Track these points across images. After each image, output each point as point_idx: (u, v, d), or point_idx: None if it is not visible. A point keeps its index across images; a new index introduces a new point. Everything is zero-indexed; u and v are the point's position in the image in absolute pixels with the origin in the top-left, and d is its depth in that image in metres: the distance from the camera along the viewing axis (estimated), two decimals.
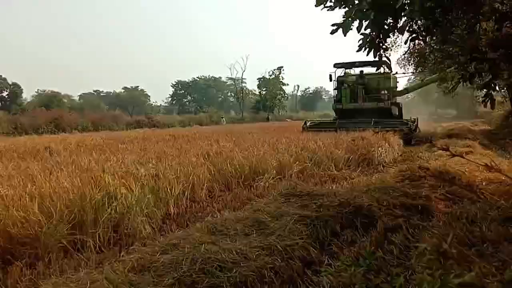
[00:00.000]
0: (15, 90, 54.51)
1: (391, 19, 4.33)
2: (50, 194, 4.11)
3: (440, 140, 13.03)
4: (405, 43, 4.62)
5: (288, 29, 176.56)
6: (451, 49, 6.40)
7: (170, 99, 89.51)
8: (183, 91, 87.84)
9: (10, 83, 54.47)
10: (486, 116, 30.65)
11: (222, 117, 52.41)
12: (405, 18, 4.30)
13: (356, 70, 18.51)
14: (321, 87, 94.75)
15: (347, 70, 18.86)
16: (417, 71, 19.65)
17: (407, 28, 4.43)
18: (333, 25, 4.13)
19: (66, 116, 37.65)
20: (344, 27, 4.06)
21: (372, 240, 3.24)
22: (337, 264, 2.77)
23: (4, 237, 3.49)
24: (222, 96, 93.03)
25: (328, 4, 4.22)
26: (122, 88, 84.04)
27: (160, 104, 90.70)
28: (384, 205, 4.07)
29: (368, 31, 4.27)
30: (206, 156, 7.52)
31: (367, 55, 4.66)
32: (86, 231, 3.86)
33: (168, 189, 5.14)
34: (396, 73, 18.52)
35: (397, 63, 21.69)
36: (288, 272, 2.76)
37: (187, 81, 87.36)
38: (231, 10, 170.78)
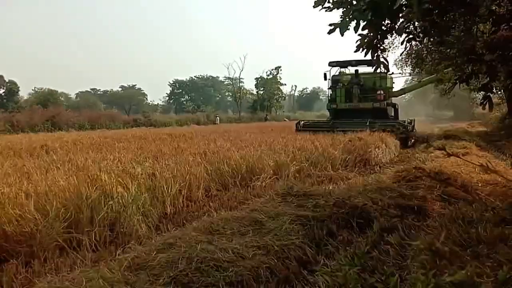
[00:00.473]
0: (12, 87, 54.18)
1: (389, 20, 4.34)
2: (46, 192, 4.10)
3: (437, 141, 13.08)
4: (402, 44, 4.63)
5: (286, 29, 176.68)
6: (448, 50, 6.42)
7: (167, 98, 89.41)
8: (180, 90, 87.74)
9: (7, 80, 54.17)
10: (482, 118, 30.77)
11: (217, 116, 51.23)
12: (403, 19, 4.31)
13: (351, 70, 18.09)
14: (319, 88, 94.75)
15: (342, 69, 18.51)
16: (415, 72, 19.69)
17: (404, 29, 4.44)
18: (330, 25, 4.14)
19: (63, 114, 37.46)
20: (341, 27, 4.07)
21: (368, 240, 3.25)
22: (332, 264, 2.78)
23: (0, 235, 3.48)
24: (220, 96, 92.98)
25: (326, 5, 4.23)
26: (119, 87, 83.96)
27: (158, 103, 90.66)
28: (380, 205, 4.08)
29: (365, 31, 4.28)
30: (203, 156, 7.52)
31: (364, 55, 4.67)
32: (82, 229, 3.85)
33: (165, 188, 5.13)
34: (392, 73, 18.15)
35: (395, 64, 21.73)
36: (284, 272, 2.77)
37: (184, 80, 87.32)
38: (230, 10, 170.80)
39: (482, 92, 4.85)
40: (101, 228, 3.94)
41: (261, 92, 65.91)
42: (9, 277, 3.07)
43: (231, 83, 71.62)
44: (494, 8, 4.65)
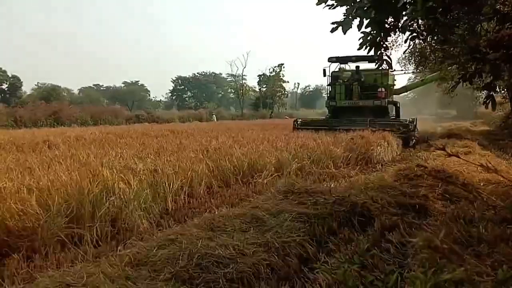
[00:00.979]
0: (15, 83, 54.39)
1: (392, 18, 4.32)
2: (48, 187, 4.11)
3: (439, 140, 13.04)
4: (405, 42, 4.61)
5: (291, 26, 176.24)
6: (452, 49, 6.39)
7: (170, 94, 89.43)
8: (183, 87, 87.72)
9: (10, 75, 54.36)
10: (485, 117, 30.65)
11: (213, 114, 49.26)
12: (406, 17, 4.29)
13: (352, 66, 17.44)
14: (321, 85, 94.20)
15: (342, 65, 17.78)
16: (418, 70, 19.54)
17: (408, 27, 4.43)
18: (333, 23, 4.13)
19: (66, 109, 37.48)
20: (344, 25, 4.06)
21: (368, 238, 3.25)
22: (333, 262, 2.78)
23: (2, 229, 3.49)
24: (222, 93, 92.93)
25: (329, 2, 4.21)
26: (122, 83, 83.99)
27: (160, 100, 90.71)
28: (382, 203, 4.08)
29: (368, 29, 4.26)
30: (205, 152, 7.53)
31: (367, 53, 4.65)
32: (83, 224, 3.87)
33: (167, 184, 5.14)
34: (394, 70, 17.54)
35: (398, 62, 21.60)
36: (285, 269, 2.77)
37: (187, 76, 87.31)
38: (234, 6, 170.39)
39: (485, 91, 4.82)
40: (103, 224, 3.96)
41: (264, 89, 65.84)
42: (10, 271, 3.08)
43: (234, 80, 71.58)
44: (498, 6, 4.62)
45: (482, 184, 5.03)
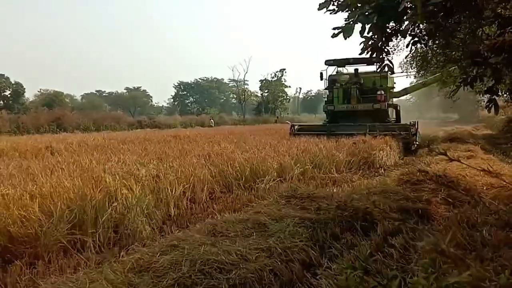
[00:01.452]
0: (18, 89, 54.50)
1: (394, 23, 4.33)
2: (50, 193, 4.12)
3: (442, 144, 13.00)
4: (407, 46, 4.62)
5: (292, 31, 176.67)
6: (453, 53, 6.39)
7: (172, 100, 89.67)
8: (185, 92, 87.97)
9: (13, 82, 54.53)
10: (488, 121, 30.57)
11: (211, 119, 47.95)
12: (408, 21, 4.29)
13: (350, 69, 16.62)
14: (323, 90, 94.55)
15: (340, 69, 16.99)
16: (420, 74, 19.48)
17: (409, 32, 4.43)
18: (334, 28, 4.14)
19: (68, 116, 37.67)
20: (346, 30, 4.06)
21: (371, 243, 3.24)
22: (335, 267, 2.77)
23: (5, 236, 3.50)
24: (224, 98, 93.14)
25: (331, 7, 4.23)
26: (125, 89, 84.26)
27: (162, 105, 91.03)
28: (384, 208, 4.07)
29: (370, 34, 4.27)
30: (207, 158, 7.53)
31: (370, 57, 4.65)
32: (86, 231, 3.87)
33: (169, 190, 5.14)
34: (393, 72, 17.12)
35: (400, 66, 21.57)
36: (288, 275, 2.76)
37: (189, 82, 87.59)
38: (236, 12, 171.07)
39: (487, 95, 4.81)
40: (105, 230, 3.96)
41: (266, 94, 65.98)
42: (13, 278, 3.09)
43: (236, 85, 71.76)
44: (499, 10, 4.63)
45: (485, 188, 5.01)
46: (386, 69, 4.86)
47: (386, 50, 4.59)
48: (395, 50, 14.89)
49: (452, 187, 4.75)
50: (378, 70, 5.00)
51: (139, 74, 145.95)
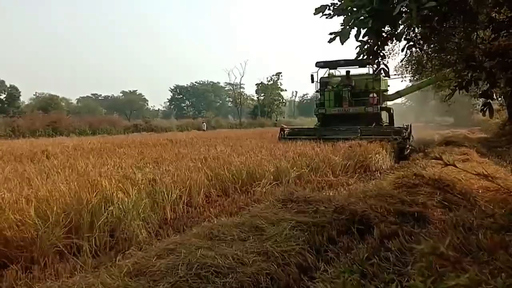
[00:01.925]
0: (13, 92, 54.28)
1: (389, 27, 4.36)
2: (46, 197, 4.11)
3: (437, 148, 13.03)
4: (402, 50, 4.65)
5: (288, 36, 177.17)
6: (448, 57, 6.43)
7: (168, 103, 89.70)
8: (181, 96, 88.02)
9: (8, 85, 54.31)
10: (483, 124, 30.74)
11: (203, 123, 46.32)
12: (403, 25, 4.33)
13: (342, 72, 16.28)
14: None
15: (332, 71, 16.79)
16: (415, 78, 19.54)
17: (404, 36, 4.46)
18: (331, 33, 4.16)
19: (64, 119, 37.59)
20: (342, 35, 4.09)
21: (368, 247, 3.24)
22: (332, 271, 2.77)
23: (0, 240, 3.48)
24: (220, 101, 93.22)
25: (327, 12, 4.25)
26: (120, 92, 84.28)
27: (158, 109, 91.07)
28: (381, 211, 4.08)
29: (366, 38, 4.30)
30: (203, 161, 7.53)
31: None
32: (82, 235, 3.86)
33: (165, 194, 5.14)
34: (389, 76, 16.59)
35: (395, 70, 21.65)
36: (284, 278, 2.76)
37: (185, 85, 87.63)
38: (232, 15, 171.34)
39: (482, 98, 4.85)
40: (101, 234, 3.95)
41: (262, 97, 66.08)
42: (9, 282, 3.07)
43: (232, 88, 71.82)
44: (493, 15, 4.67)
45: (480, 191, 5.03)
46: (382, 73, 4.89)
47: (381, 54, 4.62)
48: (390, 54, 14.89)
49: (448, 190, 4.77)
50: (373, 73, 5.03)
51: (135, 78, 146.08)
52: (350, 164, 8.80)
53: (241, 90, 68.90)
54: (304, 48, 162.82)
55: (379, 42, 4.43)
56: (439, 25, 4.36)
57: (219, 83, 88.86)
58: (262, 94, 66.23)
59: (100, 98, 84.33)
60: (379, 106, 14.77)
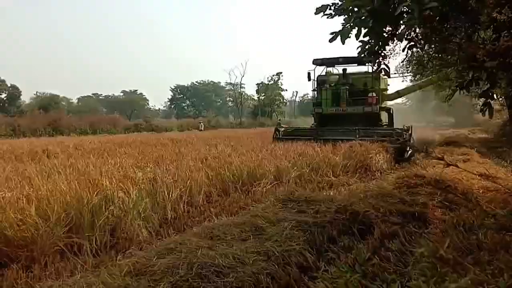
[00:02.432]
0: (14, 92, 54.28)
1: (390, 27, 4.36)
2: (47, 196, 4.10)
3: (438, 148, 13.01)
4: (403, 50, 4.65)
5: (289, 36, 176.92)
6: (449, 57, 6.43)
7: (168, 103, 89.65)
8: (182, 96, 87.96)
9: (9, 85, 54.29)
10: (483, 125, 30.71)
11: (200, 123, 45.53)
12: (404, 25, 4.32)
13: (340, 70, 15.33)
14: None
15: (330, 69, 15.87)
16: (415, 79, 19.50)
17: (405, 36, 4.46)
18: (331, 33, 4.16)
19: (65, 119, 37.59)
20: (343, 35, 4.09)
21: (369, 247, 3.24)
22: (333, 271, 2.77)
23: (1, 239, 3.48)
24: (221, 101, 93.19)
25: (328, 11, 4.25)
26: (121, 92, 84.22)
27: (159, 108, 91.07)
28: (381, 211, 4.07)
29: (366, 38, 4.30)
30: (204, 161, 7.53)
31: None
32: (82, 234, 3.86)
33: (166, 193, 5.13)
34: (389, 76, 15.84)
35: (396, 70, 21.59)
36: (285, 278, 2.76)
37: (186, 85, 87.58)
38: (232, 14, 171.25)
39: (482, 98, 4.85)
40: (102, 233, 3.95)
41: (262, 97, 66.05)
42: (9, 281, 3.08)
43: (233, 88, 71.81)
44: (495, 15, 4.66)
45: (481, 192, 5.03)
46: (383, 72, 4.89)
47: (382, 54, 4.62)
48: (391, 54, 14.76)
49: (448, 190, 4.77)
50: (372, 72, 5.02)
51: (135, 77, 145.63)
52: (351, 164, 8.79)
53: (242, 90, 68.91)
54: (304, 48, 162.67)
55: (380, 42, 4.43)
56: (440, 25, 4.36)
57: (219, 83, 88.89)
58: (263, 94, 66.19)
59: (100, 97, 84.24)
60: (378, 106, 14.18)
